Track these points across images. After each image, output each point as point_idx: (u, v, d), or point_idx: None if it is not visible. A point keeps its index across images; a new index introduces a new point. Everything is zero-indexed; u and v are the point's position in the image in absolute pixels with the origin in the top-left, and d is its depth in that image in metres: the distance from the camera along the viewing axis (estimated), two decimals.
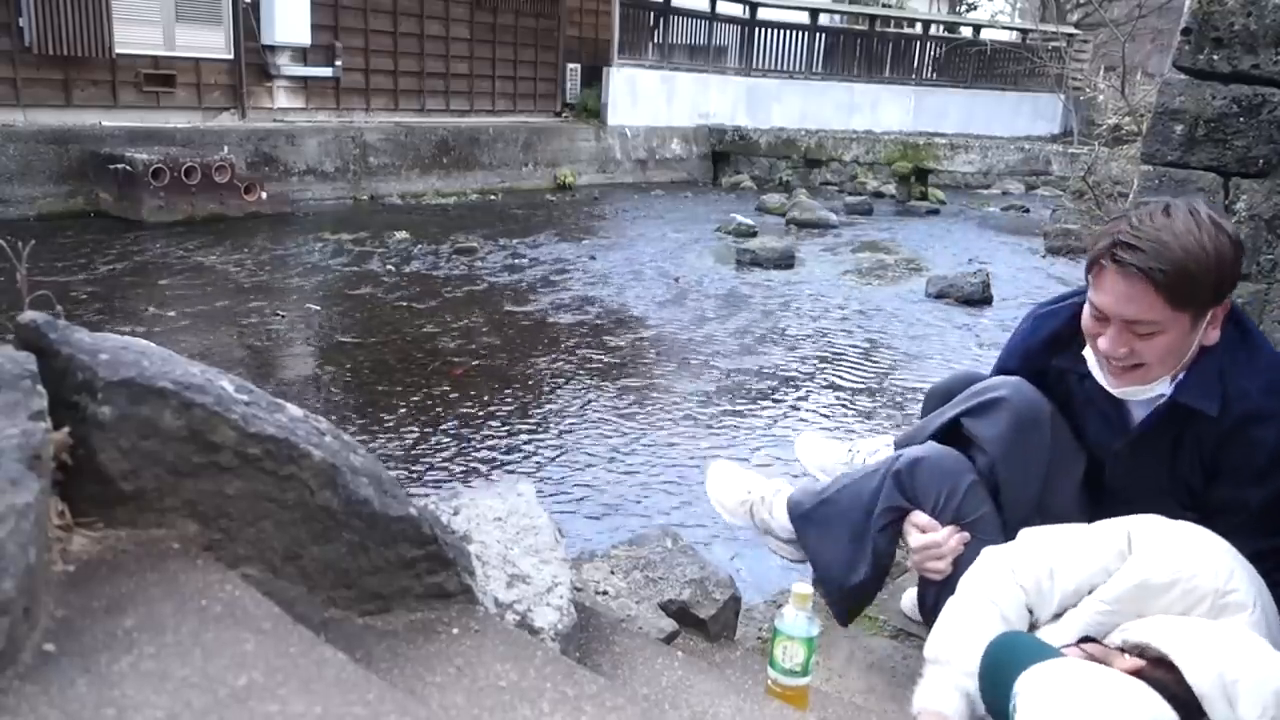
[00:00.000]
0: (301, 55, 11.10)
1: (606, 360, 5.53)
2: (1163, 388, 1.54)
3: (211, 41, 10.39)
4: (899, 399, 5.15)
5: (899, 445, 1.90)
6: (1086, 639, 1.35)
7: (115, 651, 0.79)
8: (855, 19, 18.83)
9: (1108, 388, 1.57)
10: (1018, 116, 18.89)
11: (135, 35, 9.69)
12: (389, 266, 7.65)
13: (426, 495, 1.56)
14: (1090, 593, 1.40)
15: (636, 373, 5.36)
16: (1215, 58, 2.07)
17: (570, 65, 14.16)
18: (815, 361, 5.75)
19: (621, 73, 14.22)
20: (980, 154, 13.37)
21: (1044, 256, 9.70)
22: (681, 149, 15.07)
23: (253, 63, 10.64)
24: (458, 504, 1.47)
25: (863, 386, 5.33)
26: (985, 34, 19.77)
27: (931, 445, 1.76)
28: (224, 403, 0.96)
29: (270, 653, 0.84)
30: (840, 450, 2.22)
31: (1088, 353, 1.59)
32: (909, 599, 2.04)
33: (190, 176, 8.82)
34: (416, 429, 4.30)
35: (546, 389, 4.98)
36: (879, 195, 13.97)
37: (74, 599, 0.84)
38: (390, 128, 11.59)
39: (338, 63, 11.39)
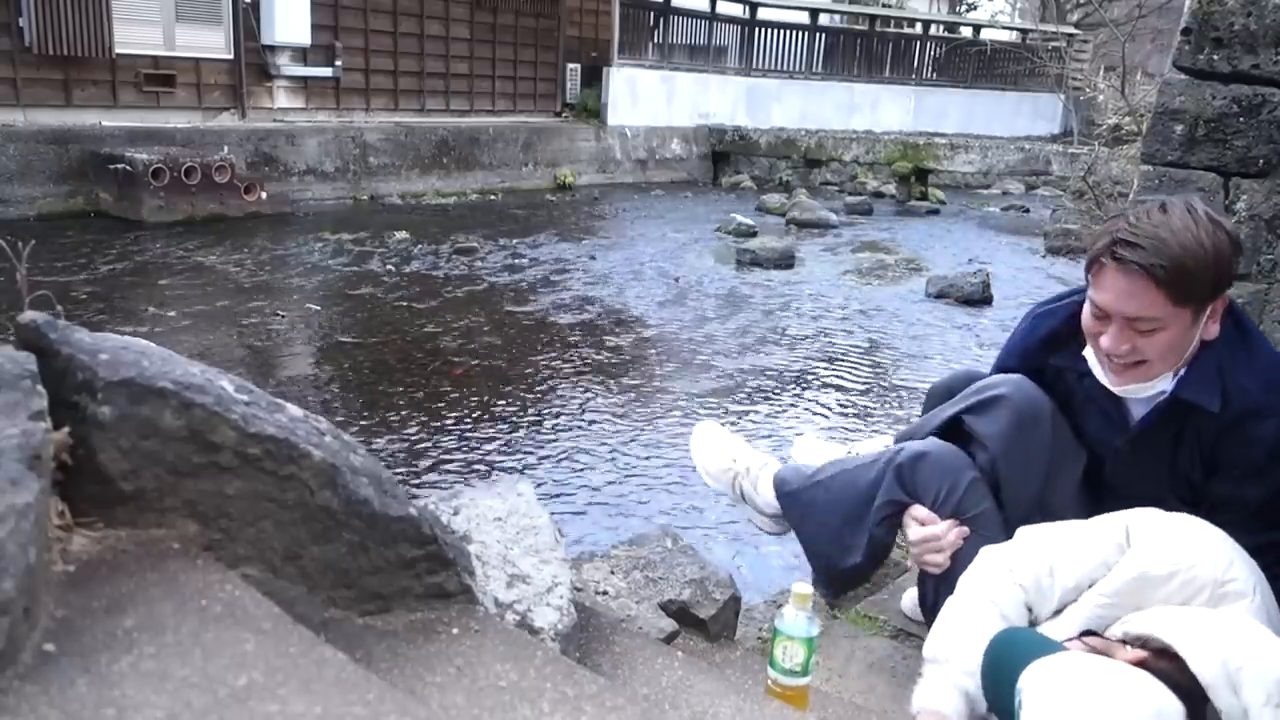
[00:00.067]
0: (301, 55, 11.10)
1: (606, 360, 5.53)
2: (1163, 385, 1.55)
3: (211, 41, 10.39)
4: (899, 399, 5.15)
5: (898, 441, 1.90)
6: (1088, 632, 1.35)
7: (115, 651, 0.79)
8: (855, 19, 18.83)
9: (1109, 386, 1.57)
10: (1018, 116, 18.89)
11: (135, 35, 9.69)
12: (389, 266, 7.65)
13: (426, 495, 1.56)
14: (1090, 587, 1.40)
15: (636, 372, 5.36)
16: (1215, 58, 2.07)
17: (570, 65, 14.16)
18: (815, 361, 5.75)
19: (621, 73, 14.22)
20: (980, 154, 13.37)
21: (1044, 256, 9.71)
22: (681, 149, 15.07)
23: (253, 63, 10.64)
24: (458, 504, 1.47)
25: (863, 386, 5.33)
26: (985, 34, 19.77)
27: (933, 440, 1.76)
28: (224, 403, 0.96)
29: (270, 653, 0.84)
30: (839, 453, 2.22)
31: (1088, 352, 1.60)
32: (909, 599, 2.05)
33: (190, 176, 8.82)
34: (417, 429, 4.30)
35: (546, 389, 4.98)
36: (879, 195, 13.97)
37: (74, 599, 0.84)
38: (390, 128, 11.58)
39: (338, 63, 11.39)
